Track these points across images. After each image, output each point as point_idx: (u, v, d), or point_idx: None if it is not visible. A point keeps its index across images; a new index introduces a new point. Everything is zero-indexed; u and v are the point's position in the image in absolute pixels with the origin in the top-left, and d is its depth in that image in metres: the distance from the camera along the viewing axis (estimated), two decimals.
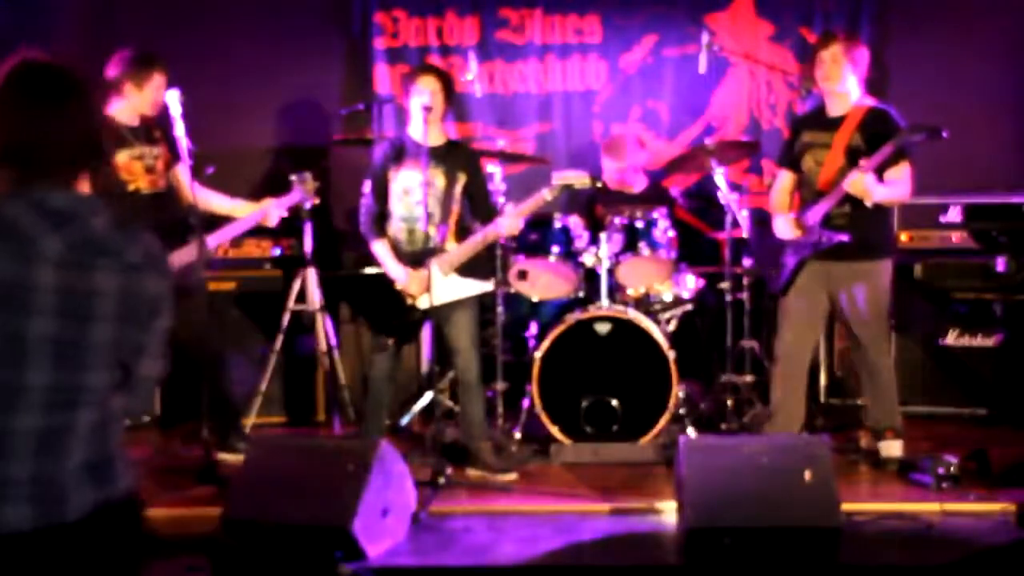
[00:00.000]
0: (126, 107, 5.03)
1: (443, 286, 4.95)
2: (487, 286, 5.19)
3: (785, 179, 5.17)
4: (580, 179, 4.88)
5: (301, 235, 5.75)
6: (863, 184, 4.69)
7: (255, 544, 4.04)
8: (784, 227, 5.04)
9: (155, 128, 5.08)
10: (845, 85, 4.92)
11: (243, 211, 5.22)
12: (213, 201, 5.26)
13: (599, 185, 5.01)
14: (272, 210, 5.22)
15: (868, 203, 4.76)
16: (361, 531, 3.91)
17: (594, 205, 6.02)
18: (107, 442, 2.12)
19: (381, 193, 5.09)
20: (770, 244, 5.19)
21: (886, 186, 4.80)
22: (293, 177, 5.31)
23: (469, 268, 5.06)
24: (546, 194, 4.88)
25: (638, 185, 6.20)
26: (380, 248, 5.08)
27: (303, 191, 5.31)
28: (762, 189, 6.34)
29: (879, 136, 4.79)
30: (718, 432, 5.52)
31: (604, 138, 6.55)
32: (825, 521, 3.88)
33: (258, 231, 5.42)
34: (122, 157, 4.99)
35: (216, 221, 5.18)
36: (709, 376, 6.00)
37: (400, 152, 5.09)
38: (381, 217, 5.10)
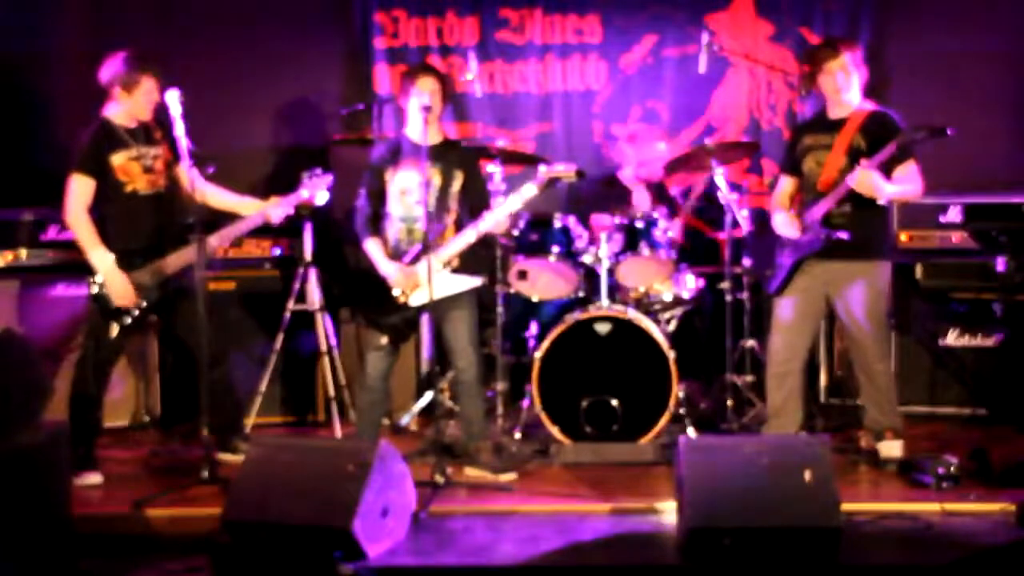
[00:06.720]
0: (120, 110, 5.01)
1: (435, 282, 4.93)
2: (479, 281, 5.16)
3: (786, 184, 5.16)
4: (567, 172, 4.88)
5: (301, 235, 5.74)
6: (869, 180, 4.69)
7: (255, 544, 4.05)
8: (785, 225, 5.04)
9: (155, 129, 5.06)
10: (851, 91, 4.93)
11: (250, 208, 5.17)
12: (219, 198, 5.22)
13: (584, 178, 5.04)
14: (274, 209, 5.10)
15: (880, 200, 4.76)
16: (361, 531, 3.91)
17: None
18: None
19: (378, 194, 5.08)
20: (768, 245, 5.18)
21: (895, 183, 4.79)
22: (304, 173, 5.15)
23: (461, 263, 5.03)
24: (533, 187, 4.88)
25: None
26: (372, 246, 5.06)
27: (312, 188, 5.13)
28: (762, 189, 6.34)
29: (881, 138, 4.78)
30: (718, 432, 5.52)
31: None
32: (825, 521, 3.88)
33: (258, 231, 5.38)
34: (118, 159, 4.97)
35: (221, 219, 5.15)
36: (709, 376, 6.00)
37: (397, 153, 5.09)
38: (375, 217, 5.09)
